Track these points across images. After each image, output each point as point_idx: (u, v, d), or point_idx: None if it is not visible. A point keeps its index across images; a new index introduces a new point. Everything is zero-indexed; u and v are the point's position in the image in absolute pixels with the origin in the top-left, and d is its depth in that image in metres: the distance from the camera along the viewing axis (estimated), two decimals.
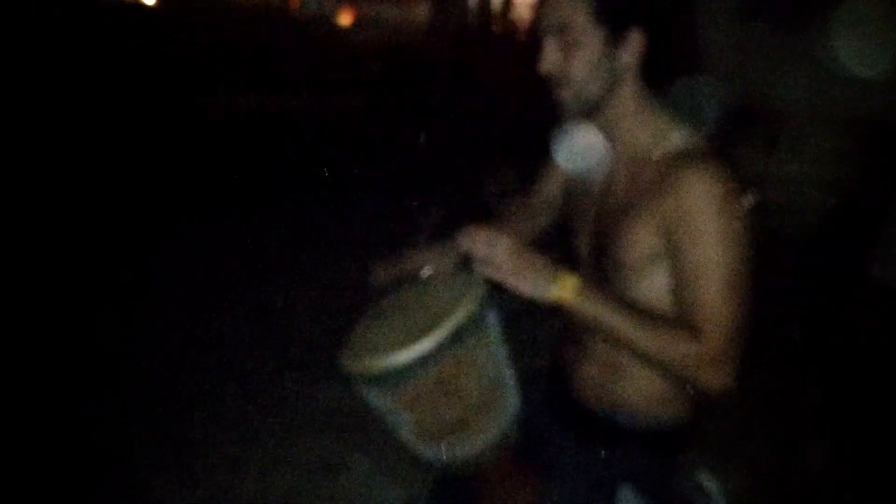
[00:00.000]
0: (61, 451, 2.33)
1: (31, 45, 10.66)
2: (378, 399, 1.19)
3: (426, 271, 1.38)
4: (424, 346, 1.10)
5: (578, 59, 1.14)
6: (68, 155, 5.57)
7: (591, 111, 1.20)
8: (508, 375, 1.25)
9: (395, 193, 4.96)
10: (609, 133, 1.24)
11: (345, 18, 20.90)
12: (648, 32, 1.14)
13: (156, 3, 25.49)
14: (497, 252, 1.09)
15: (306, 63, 11.55)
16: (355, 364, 1.17)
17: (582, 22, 1.13)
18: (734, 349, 1.09)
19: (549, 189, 1.52)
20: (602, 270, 1.26)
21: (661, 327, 1.10)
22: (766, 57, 3.76)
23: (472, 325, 1.14)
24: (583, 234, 1.33)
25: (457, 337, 1.12)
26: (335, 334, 2.99)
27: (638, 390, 1.26)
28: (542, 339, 2.89)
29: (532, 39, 11.64)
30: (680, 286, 1.13)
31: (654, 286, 1.18)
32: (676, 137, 1.18)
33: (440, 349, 1.10)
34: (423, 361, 1.10)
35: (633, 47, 1.15)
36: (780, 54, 3.73)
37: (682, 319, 1.12)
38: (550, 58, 1.17)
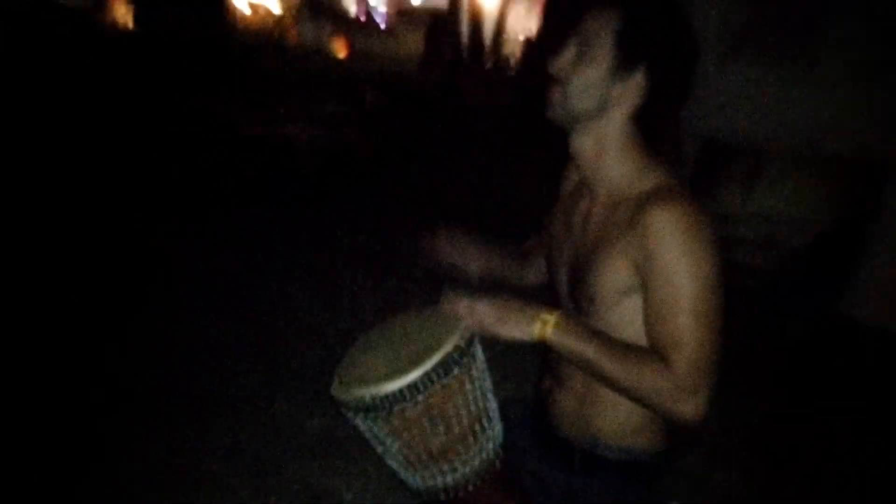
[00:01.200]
0: (45, 464, 2.33)
1: (42, 66, 10.73)
2: (367, 427, 1.25)
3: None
4: (413, 375, 1.17)
5: (584, 69, 1.20)
6: (70, 174, 5.58)
7: (571, 123, 1.25)
8: (492, 406, 1.31)
9: (388, 221, 5.02)
10: (590, 166, 1.29)
11: (340, 50, 21.13)
12: (651, 80, 1.20)
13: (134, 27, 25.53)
14: (478, 314, 1.19)
15: (302, 91, 11.65)
16: (346, 392, 1.23)
17: (604, 40, 1.19)
18: (705, 381, 1.12)
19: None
20: (578, 304, 1.31)
21: (635, 359, 1.15)
22: (745, 94, 3.87)
23: (460, 357, 1.20)
24: (561, 269, 1.38)
25: (445, 367, 1.18)
26: (328, 360, 3.02)
27: (613, 421, 1.30)
28: (528, 368, 2.96)
29: (522, 74, 11.88)
30: (651, 319, 1.17)
31: (626, 319, 1.23)
32: (652, 177, 1.23)
33: (428, 379, 1.17)
34: (412, 391, 1.17)
35: (632, 87, 1.21)
36: (760, 91, 3.84)
37: (655, 351, 1.16)
38: (564, 57, 1.23)
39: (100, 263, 3.98)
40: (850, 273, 3.50)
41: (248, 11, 39.56)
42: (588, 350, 1.16)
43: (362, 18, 34.43)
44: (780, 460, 2.67)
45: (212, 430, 2.63)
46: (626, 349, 1.18)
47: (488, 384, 1.30)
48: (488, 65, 12.53)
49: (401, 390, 1.17)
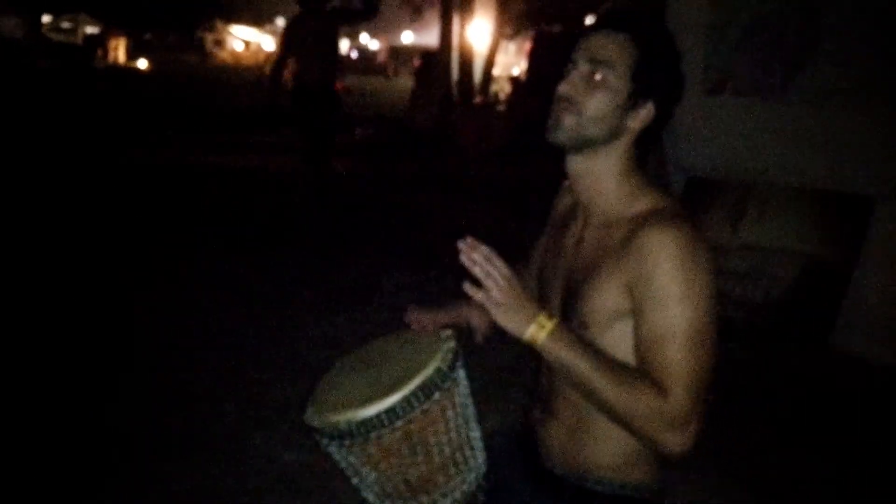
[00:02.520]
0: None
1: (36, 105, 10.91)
2: (343, 456, 1.17)
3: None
4: (392, 399, 1.10)
5: (599, 97, 1.19)
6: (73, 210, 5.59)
7: (578, 147, 1.23)
8: (476, 435, 1.24)
9: (375, 256, 5.00)
10: (588, 189, 1.26)
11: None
12: (658, 111, 1.22)
13: (148, 68, 26.14)
14: (490, 282, 1.09)
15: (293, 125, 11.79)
16: (320, 419, 1.16)
17: (620, 71, 1.18)
18: (696, 410, 1.09)
19: (537, 256, 1.51)
20: (569, 328, 1.23)
21: (629, 380, 1.10)
22: (732, 127, 3.91)
23: (442, 381, 1.14)
24: (553, 293, 1.34)
25: (425, 391, 1.11)
26: (302, 397, 2.96)
27: (606, 454, 1.25)
28: (514, 399, 2.91)
29: (511, 108, 12.11)
30: (643, 345, 1.13)
31: (618, 344, 1.18)
32: (647, 199, 1.22)
33: (408, 403, 1.10)
34: (390, 416, 1.09)
35: (643, 116, 1.21)
36: (746, 125, 3.87)
37: (649, 376, 1.12)
38: (576, 82, 1.20)
39: (75, 297, 3.96)
40: (838, 304, 3.49)
41: (240, 48, 40.16)
42: (580, 363, 1.10)
43: (353, 56, 35.14)
44: (771, 494, 2.62)
45: (189, 463, 2.56)
46: (621, 369, 1.13)
47: (472, 411, 1.23)
48: (477, 100, 12.73)
49: (378, 415, 1.10)
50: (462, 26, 13.32)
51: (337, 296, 4.26)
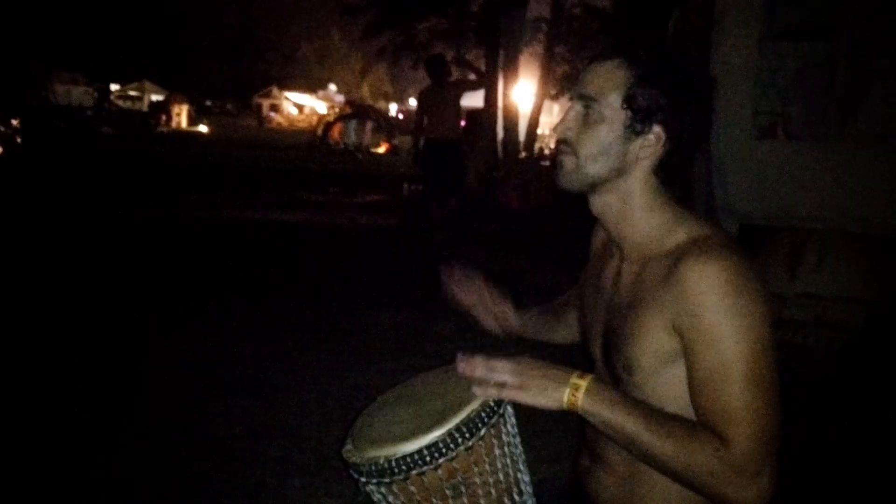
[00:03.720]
0: None
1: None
2: (382, 495, 1.09)
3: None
4: (434, 434, 1.03)
5: (593, 133, 1.12)
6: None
7: (588, 188, 1.17)
8: (525, 479, 1.14)
9: (419, 305, 4.99)
10: (616, 225, 1.19)
11: (380, 147, 22.09)
12: (670, 132, 1.12)
13: (209, 132, 27.44)
14: (497, 376, 1.04)
15: (346, 185, 12.20)
16: (358, 454, 1.09)
17: (612, 100, 1.11)
18: (765, 458, 0.99)
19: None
20: (615, 374, 1.17)
21: (684, 434, 1.01)
22: (785, 172, 3.80)
23: (488, 416, 1.06)
24: (594, 335, 1.26)
25: (470, 427, 1.04)
26: (341, 443, 2.89)
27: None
28: (564, 446, 2.77)
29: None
30: (698, 390, 1.04)
31: (668, 391, 1.09)
32: (684, 228, 1.13)
33: (452, 440, 1.02)
34: (433, 453, 1.02)
35: (650, 143, 1.13)
36: (799, 169, 3.76)
37: (706, 425, 1.02)
38: (568, 122, 1.15)
39: (115, 347, 4.00)
40: None
41: (294, 111, 41.80)
42: (627, 422, 1.01)
43: (401, 117, 36.14)
44: None
45: None
46: (673, 422, 1.03)
47: (520, 452, 1.13)
48: (523, 155, 12.83)
49: (420, 452, 1.02)
50: (507, 87, 13.58)
51: (379, 344, 4.24)
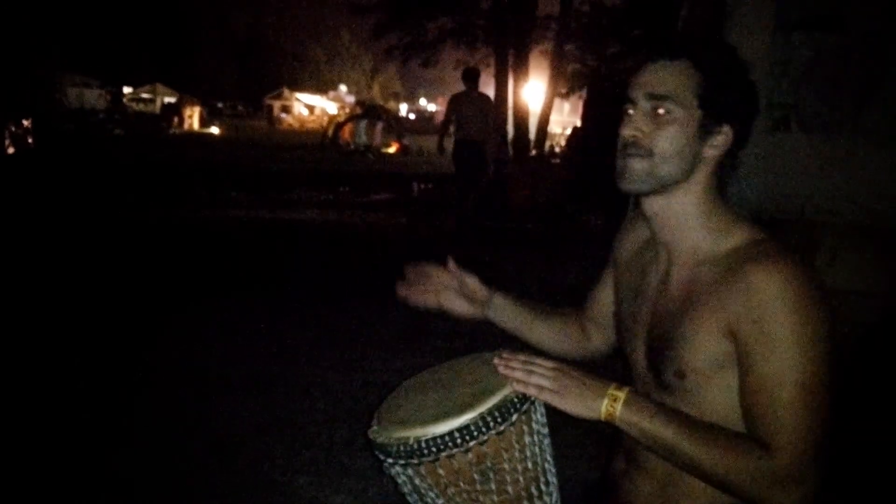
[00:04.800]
0: None
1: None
2: (407, 477, 1.08)
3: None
4: (466, 418, 1.02)
5: (669, 133, 1.10)
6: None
7: (659, 190, 1.14)
8: (552, 470, 1.13)
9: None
10: (671, 228, 1.17)
11: (390, 147, 22.11)
12: (735, 132, 1.12)
13: (221, 133, 27.63)
14: (536, 377, 1.05)
15: (356, 184, 12.22)
16: (386, 435, 1.08)
17: (685, 99, 1.10)
18: (812, 466, 0.99)
19: (604, 297, 1.42)
20: (661, 379, 1.16)
21: (723, 442, 1.02)
22: (798, 165, 3.74)
23: (521, 402, 1.06)
24: (637, 341, 1.23)
25: (502, 412, 1.04)
26: (356, 436, 2.88)
27: None
28: (587, 445, 2.73)
29: (566, 163, 12.16)
30: (750, 393, 1.03)
31: (722, 395, 1.08)
32: (740, 232, 1.12)
33: (483, 424, 1.02)
34: (464, 435, 1.02)
35: (720, 142, 1.12)
36: (813, 162, 3.70)
37: (749, 432, 1.04)
38: (639, 124, 1.12)
39: (127, 346, 4.01)
40: None
41: (305, 112, 41.93)
42: (667, 432, 1.02)
43: (412, 117, 36.24)
44: None
45: None
46: (713, 431, 1.03)
47: (548, 443, 1.13)
48: (533, 153, 12.81)
49: (451, 434, 1.01)
50: (516, 85, 13.56)
51: (387, 341, 4.22)
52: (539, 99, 17.16)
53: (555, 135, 19.29)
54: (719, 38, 1.19)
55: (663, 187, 1.12)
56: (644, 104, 1.12)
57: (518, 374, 1.05)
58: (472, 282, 1.50)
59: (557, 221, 8.70)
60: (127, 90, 34.26)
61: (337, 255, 6.63)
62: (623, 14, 15.37)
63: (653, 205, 1.16)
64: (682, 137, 1.10)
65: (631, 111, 1.13)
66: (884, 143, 3.49)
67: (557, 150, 16.11)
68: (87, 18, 25.94)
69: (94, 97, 28.45)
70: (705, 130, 1.11)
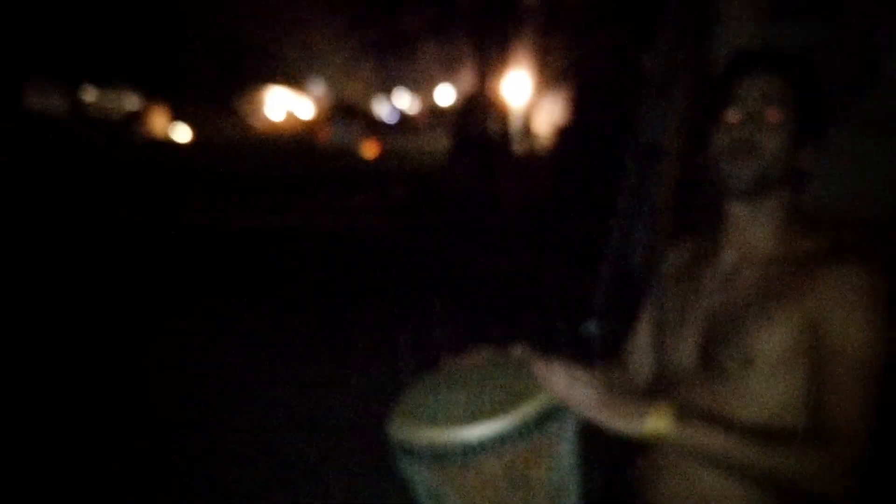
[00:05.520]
0: None
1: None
2: (428, 478, 1.03)
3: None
4: (505, 423, 0.98)
5: (779, 137, 1.16)
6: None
7: (759, 192, 1.19)
8: (576, 480, 1.11)
9: (410, 310, 4.85)
10: (752, 231, 1.22)
11: (370, 150, 21.91)
12: (818, 145, 1.19)
13: (192, 136, 27.29)
14: (578, 391, 1.04)
15: (334, 187, 12.12)
16: (413, 433, 1.02)
17: (789, 110, 1.17)
18: (865, 454, 1.05)
19: (643, 342, 1.42)
20: (718, 371, 1.18)
21: (776, 442, 1.05)
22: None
23: (558, 411, 1.03)
24: (688, 338, 1.25)
25: (541, 420, 1.01)
26: (329, 454, 2.76)
27: None
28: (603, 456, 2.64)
29: (553, 158, 12.13)
30: (824, 385, 1.08)
31: (782, 386, 1.12)
32: (819, 236, 1.18)
33: (524, 430, 0.98)
34: (500, 441, 0.98)
35: (807, 156, 1.19)
36: None
37: (812, 423, 1.08)
38: (750, 126, 1.17)
39: (94, 353, 3.94)
40: None
41: (281, 113, 41.60)
42: (720, 440, 1.03)
43: (390, 117, 36.15)
44: None
45: None
46: (763, 433, 1.07)
47: (577, 451, 1.10)
48: (518, 152, 12.76)
49: (488, 438, 0.97)
50: (498, 82, 13.49)
51: (369, 349, 4.15)
52: (522, 95, 17.08)
53: (537, 134, 19.26)
54: (807, 57, 1.20)
55: (765, 189, 1.18)
56: (754, 109, 1.18)
57: (561, 386, 1.04)
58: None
59: (544, 219, 8.59)
60: (92, 93, 33.55)
61: (317, 260, 6.56)
62: (606, 9, 15.34)
63: (742, 207, 1.22)
64: (786, 143, 1.17)
65: (737, 116, 1.19)
66: (878, 134, 3.45)
67: (542, 147, 16.06)
68: (51, 19, 25.47)
69: (54, 104, 27.79)
70: (800, 142, 1.18)
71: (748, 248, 1.23)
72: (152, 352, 3.93)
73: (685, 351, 1.25)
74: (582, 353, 1.42)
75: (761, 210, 1.21)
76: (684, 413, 1.05)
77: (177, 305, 4.88)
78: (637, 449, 1.29)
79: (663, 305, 1.35)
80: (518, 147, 14.48)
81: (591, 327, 4.13)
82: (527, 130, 16.38)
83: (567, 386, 1.04)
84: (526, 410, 1.00)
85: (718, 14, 3.78)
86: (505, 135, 13.47)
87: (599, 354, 1.54)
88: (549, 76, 18.12)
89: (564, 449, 1.07)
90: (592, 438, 1.07)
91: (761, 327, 1.14)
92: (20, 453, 2.72)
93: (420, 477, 1.04)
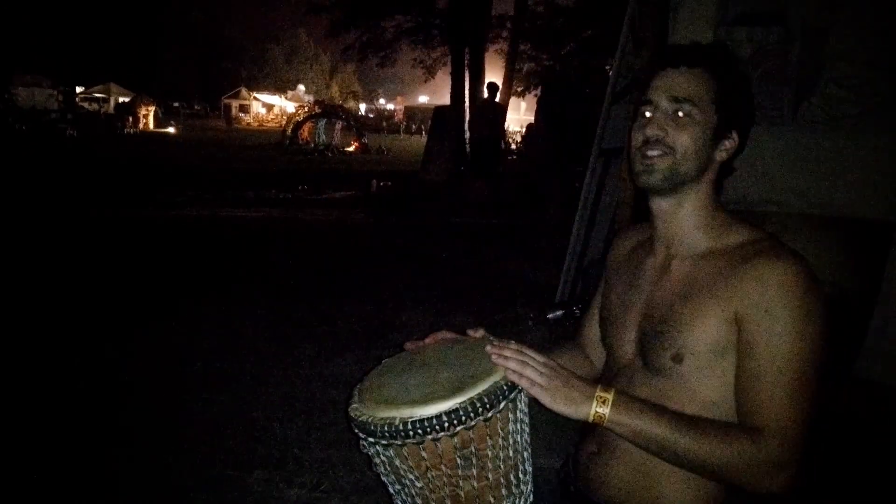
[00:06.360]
0: None
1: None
2: (387, 458, 1.07)
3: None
4: (456, 401, 1.01)
5: (690, 133, 1.16)
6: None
7: (674, 188, 1.20)
8: (529, 458, 1.14)
9: (388, 297, 4.97)
10: (675, 225, 1.23)
11: (350, 146, 21.97)
12: (741, 136, 1.21)
13: (177, 133, 27.12)
14: (528, 369, 1.06)
15: (316, 182, 12.14)
16: (370, 414, 1.05)
17: (705, 103, 1.17)
18: (798, 452, 1.04)
19: (597, 320, 1.44)
20: (653, 364, 1.19)
21: (714, 432, 1.05)
22: (742, 158, 3.83)
23: (510, 390, 1.06)
24: (628, 331, 1.27)
25: (491, 398, 1.03)
26: (305, 434, 2.86)
27: (674, 494, 1.16)
28: (550, 435, 2.76)
29: (522, 159, 12.26)
30: (748, 380, 1.08)
31: (716, 380, 1.12)
32: (742, 230, 1.19)
33: (472, 409, 1.01)
34: (451, 419, 1.00)
35: (730, 146, 1.21)
36: (757, 154, 3.80)
37: (740, 418, 1.08)
38: (661, 122, 1.18)
39: (78, 342, 3.96)
40: (862, 334, 3.34)
41: (263, 111, 41.41)
42: (658, 428, 1.05)
43: (371, 116, 36.07)
44: None
45: (190, 501, 2.48)
46: (702, 422, 1.07)
47: (528, 432, 1.14)
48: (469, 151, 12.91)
49: (439, 416, 1.00)
50: (472, 85, 13.65)
51: (346, 336, 4.21)
52: (495, 98, 17.21)
53: (514, 133, 19.39)
54: (728, 49, 1.29)
55: (680, 185, 1.18)
56: (666, 106, 1.18)
57: (513, 364, 1.06)
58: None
59: (513, 215, 8.78)
60: (79, 89, 33.27)
61: (295, 252, 6.58)
62: (576, 14, 15.56)
63: (662, 203, 1.22)
64: (700, 138, 1.16)
65: (649, 113, 1.19)
66: (825, 134, 3.60)
67: (514, 146, 16.22)
68: (38, 16, 25.15)
69: (45, 97, 27.54)
70: (718, 135, 1.18)
71: (676, 243, 1.23)
72: (144, 346, 3.92)
73: (626, 344, 1.26)
74: (549, 339, 1.54)
75: (682, 205, 1.21)
76: (622, 400, 1.07)
77: (169, 295, 4.90)
78: (582, 433, 1.34)
79: (608, 295, 1.38)
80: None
81: (557, 314, 4.34)
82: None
83: (518, 366, 1.05)
84: (478, 390, 1.02)
85: (674, 23, 3.92)
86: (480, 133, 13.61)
87: (563, 339, 1.61)
88: (520, 80, 18.34)
89: (517, 428, 1.09)
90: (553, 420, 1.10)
91: (689, 326, 1.13)
92: (20, 453, 2.71)
93: (379, 456, 1.07)
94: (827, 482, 2.67)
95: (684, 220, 1.21)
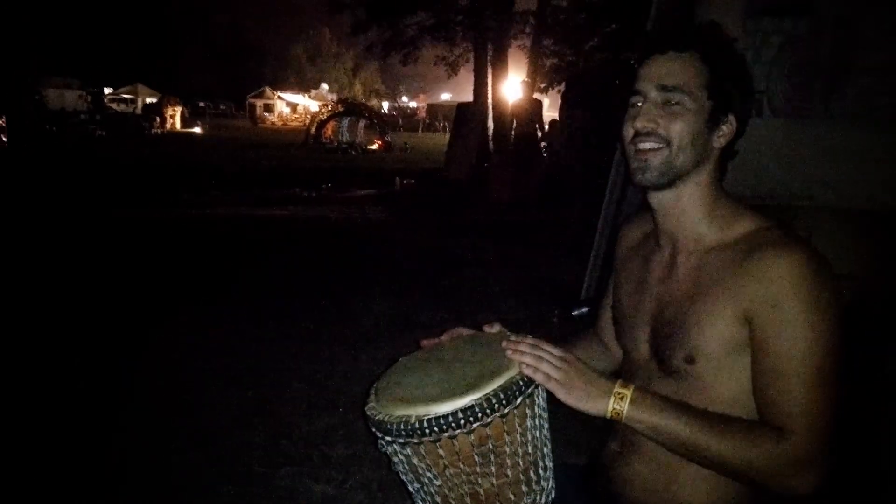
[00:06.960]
0: None
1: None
2: (405, 457, 1.06)
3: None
4: (471, 398, 1.00)
5: (683, 122, 1.10)
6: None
7: (673, 182, 1.14)
8: (549, 454, 1.12)
9: (408, 295, 4.98)
10: (677, 218, 1.17)
11: (373, 144, 22.06)
12: (739, 121, 1.14)
13: (203, 132, 27.46)
14: (545, 365, 1.04)
15: (339, 181, 12.22)
16: (386, 412, 1.04)
17: (696, 89, 1.11)
18: (824, 449, 1.00)
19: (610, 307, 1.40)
20: (667, 365, 1.15)
21: (737, 430, 1.02)
22: (772, 150, 3.76)
23: (526, 385, 1.04)
24: (640, 331, 1.23)
25: (508, 395, 1.01)
26: (331, 430, 2.87)
27: (696, 494, 1.13)
28: (573, 432, 2.74)
29: (553, 153, 12.23)
30: (766, 377, 1.03)
31: (731, 380, 1.08)
32: (747, 220, 1.13)
33: (489, 405, 1.00)
34: (468, 416, 0.99)
35: (727, 132, 1.14)
36: (787, 146, 3.73)
37: (760, 419, 1.04)
38: (652, 114, 1.12)
39: (97, 335, 4.01)
40: (893, 330, 3.25)
41: (287, 111, 41.68)
42: (678, 426, 1.02)
43: (394, 114, 36.18)
44: None
45: (217, 496, 2.51)
46: (724, 420, 1.03)
47: (548, 428, 1.12)
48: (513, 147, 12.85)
49: (455, 414, 0.99)
50: (495, 81, 13.57)
51: (369, 333, 4.22)
52: (518, 94, 17.14)
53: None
54: (720, 29, 1.20)
55: (678, 178, 1.13)
56: (655, 96, 1.12)
57: (528, 360, 1.04)
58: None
59: (538, 212, 8.73)
60: (108, 91, 33.87)
61: (321, 249, 6.62)
62: (600, 9, 15.40)
63: (662, 197, 1.17)
64: (695, 127, 1.10)
65: (640, 103, 1.13)
66: (855, 125, 3.53)
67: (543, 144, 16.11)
68: (68, 19, 25.60)
69: (74, 98, 28.10)
70: (714, 121, 1.12)
71: (681, 237, 1.18)
72: (170, 343, 3.94)
73: (640, 345, 1.23)
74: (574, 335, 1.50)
75: (682, 198, 1.15)
76: (641, 396, 1.04)
77: (196, 291, 4.94)
78: (606, 432, 1.31)
79: (618, 293, 1.33)
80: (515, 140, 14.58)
81: (583, 310, 4.31)
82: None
83: (534, 361, 1.04)
84: (494, 386, 1.01)
85: (700, 14, 3.86)
86: (502, 132, 13.57)
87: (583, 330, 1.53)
88: (543, 76, 18.21)
89: (535, 423, 1.07)
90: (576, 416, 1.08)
91: (699, 326, 1.09)
92: (19, 453, 2.72)
93: (397, 454, 1.07)
94: (855, 485, 2.61)
95: (686, 212, 1.16)
